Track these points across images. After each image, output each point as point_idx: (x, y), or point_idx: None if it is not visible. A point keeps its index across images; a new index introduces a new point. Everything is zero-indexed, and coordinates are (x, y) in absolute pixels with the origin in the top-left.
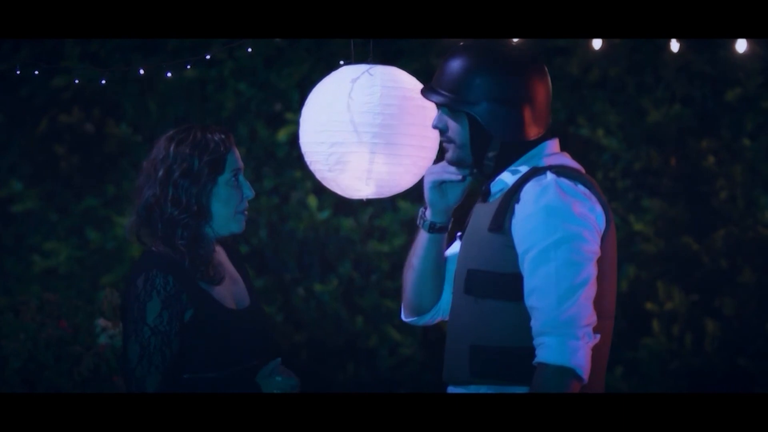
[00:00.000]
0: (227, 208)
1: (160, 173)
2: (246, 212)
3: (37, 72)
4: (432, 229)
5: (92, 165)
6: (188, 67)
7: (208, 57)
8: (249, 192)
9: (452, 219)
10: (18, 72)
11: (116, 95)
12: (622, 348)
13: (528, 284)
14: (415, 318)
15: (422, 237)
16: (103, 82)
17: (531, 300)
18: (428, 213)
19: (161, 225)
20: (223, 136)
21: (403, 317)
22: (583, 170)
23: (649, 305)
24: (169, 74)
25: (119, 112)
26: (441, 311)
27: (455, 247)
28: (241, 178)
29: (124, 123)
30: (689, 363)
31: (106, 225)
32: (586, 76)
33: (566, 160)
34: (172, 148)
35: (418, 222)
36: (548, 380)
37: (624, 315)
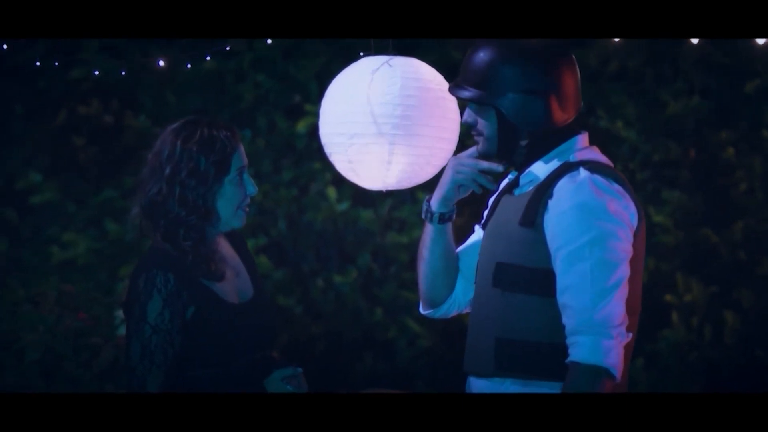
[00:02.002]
0: (231, 206)
1: (167, 171)
2: (247, 208)
3: (56, 64)
4: (441, 220)
5: (110, 157)
6: (207, 58)
7: (227, 48)
8: (252, 189)
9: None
10: (38, 64)
11: (135, 87)
12: (641, 340)
13: (561, 282)
14: (430, 310)
15: (430, 229)
16: (122, 73)
17: (564, 298)
18: (434, 205)
19: (164, 222)
20: (228, 134)
21: (421, 310)
22: (612, 165)
23: (668, 297)
24: (188, 66)
25: (138, 104)
26: (456, 305)
27: (475, 238)
28: (245, 175)
29: (143, 115)
30: (708, 355)
31: (124, 216)
32: (605, 68)
33: (597, 155)
34: (178, 144)
35: (424, 216)
36: (582, 379)
37: (643, 307)
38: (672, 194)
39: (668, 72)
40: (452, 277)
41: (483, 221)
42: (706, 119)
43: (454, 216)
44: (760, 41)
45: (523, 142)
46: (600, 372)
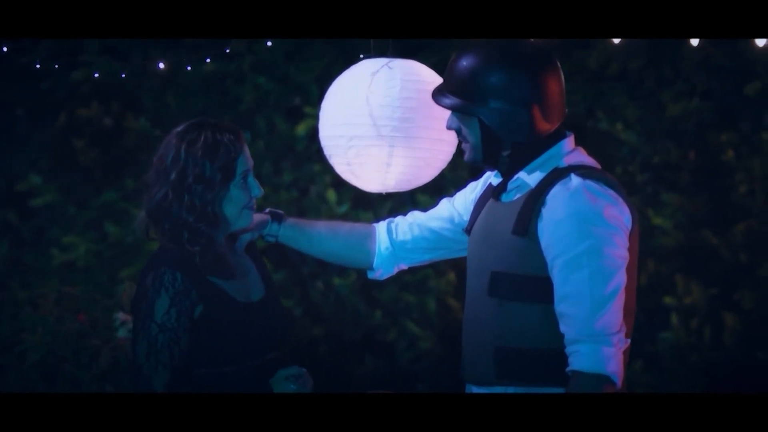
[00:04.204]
0: (236, 208)
1: (173, 176)
2: (254, 207)
3: (57, 66)
4: (274, 237)
5: (111, 159)
6: (208, 60)
7: (227, 51)
8: (257, 191)
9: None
10: (38, 66)
11: (135, 89)
12: (641, 342)
13: (559, 291)
14: (371, 274)
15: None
16: (123, 75)
17: (562, 306)
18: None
19: (170, 226)
20: (232, 137)
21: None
22: (599, 167)
23: (667, 299)
24: (188, 68)
25: (138, 106)
26: (405, 261)
27: (444, 213)
28: (250, 178)
29: (143, 117)
30: (708, 357)
31: (124, 219)
32: (605, 70)
33: (585, 157)
34: (183, 148)
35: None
36: (584, 388)
37: (643, 309)
38: (672, 196)
39: (669, 74)
40: (354, 246)
41: (467, 225)
42: (707, 121)
43: (281, 216)
44: (760, 43)
45: (506, 151)
46: (602, 380)
